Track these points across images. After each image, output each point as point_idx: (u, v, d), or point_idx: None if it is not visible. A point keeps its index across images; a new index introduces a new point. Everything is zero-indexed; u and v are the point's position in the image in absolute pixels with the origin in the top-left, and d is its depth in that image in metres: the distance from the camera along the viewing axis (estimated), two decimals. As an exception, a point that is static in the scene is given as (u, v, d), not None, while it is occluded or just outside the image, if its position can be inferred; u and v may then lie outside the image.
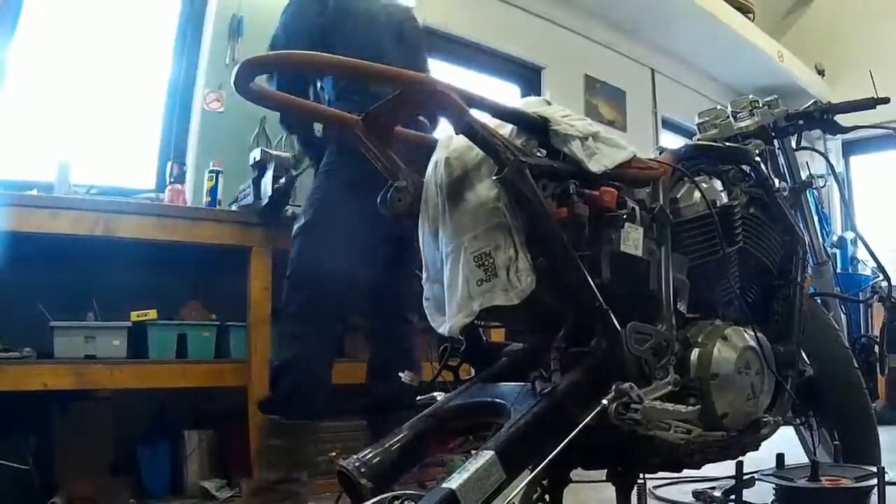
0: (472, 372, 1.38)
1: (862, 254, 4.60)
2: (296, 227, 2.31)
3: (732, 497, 1.84)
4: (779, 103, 1.98)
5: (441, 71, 4.17)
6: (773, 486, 1.68)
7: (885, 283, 2.09)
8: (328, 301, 2.22)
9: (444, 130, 1.26)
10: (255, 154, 2.65)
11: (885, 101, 1.93)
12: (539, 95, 3.23)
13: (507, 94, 4.64)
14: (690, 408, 1.16)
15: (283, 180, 2.48)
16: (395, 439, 1.18)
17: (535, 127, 1.20)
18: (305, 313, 2.20)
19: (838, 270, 4.14)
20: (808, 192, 2.03)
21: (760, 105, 1.97)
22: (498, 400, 1.19)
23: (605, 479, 1.30)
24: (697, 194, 1.39)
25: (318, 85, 2.45)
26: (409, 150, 1.36)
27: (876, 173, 6.24)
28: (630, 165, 1.28)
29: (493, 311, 1.17)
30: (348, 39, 2.34)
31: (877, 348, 2.11)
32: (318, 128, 2.57)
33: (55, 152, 2.75)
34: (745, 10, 5.51)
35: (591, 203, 1.17)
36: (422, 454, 1.24)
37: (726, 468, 1.66)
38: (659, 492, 2.29)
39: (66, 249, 2.47)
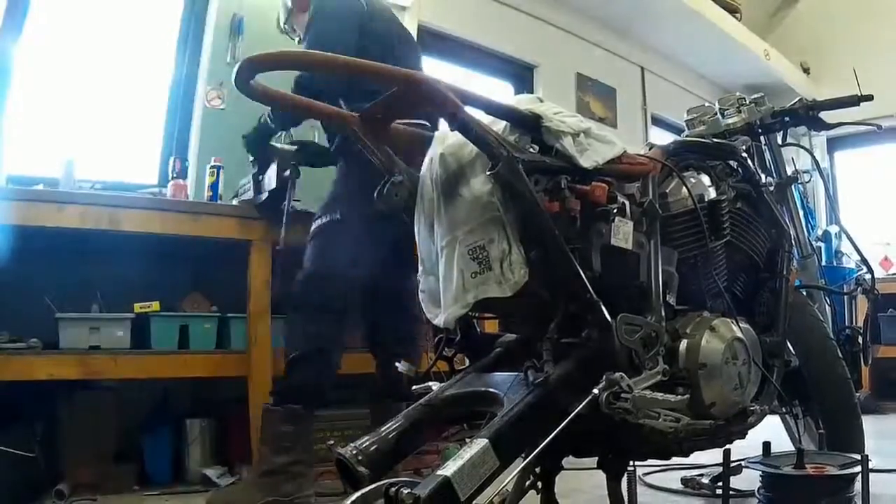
0: (467, 362, 1.40)
1: (846, 247, 4.63)
2: (322, 221, 2.30)
3: (720, 484, 1.87)
4: (765, 101, 2.01)
5: (435, 69, 4.19)
6: (760, 473, 1.71)
7: (868, 276, 2.14)
8: (354, 295, 2.27)
9: (439, 127, 1.28)
10: (256, 150, 2.66)
11: (869, 98, 1.96)
12: (532, 93, 3.26)
13: (500, 91, 4.66)
14: (679, 397, 1.18)
15: (287, 174, 2.48)
16: (392, 427, 1.21)
17: (528, 124, 1.22)
18: (333, 306, 2.21)
19: (823, 263, 4.17)
20: (793, 187, 2.07)
21: (747, 102, 1.99)
22: (492, 389, 1.21)
23: (595, 466, 1.32)
24: (685, 189, 1.41)
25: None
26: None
27: (859, 169, 6.26)
28: (620, 161, 1.29)
29: (487, 302, 1.19)
30: (383, 40, 2.39)
31: (861, 339, 2.15)
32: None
33: (61, 148, 2.78)
34: (732, 10, 5.53)
35: (582, 197, 1.18)
36: (418, 442, 1.26)
37: (714, 456, 1.68)
38: (648, 479, 2.31)
39: (72, 243, 2.49)
